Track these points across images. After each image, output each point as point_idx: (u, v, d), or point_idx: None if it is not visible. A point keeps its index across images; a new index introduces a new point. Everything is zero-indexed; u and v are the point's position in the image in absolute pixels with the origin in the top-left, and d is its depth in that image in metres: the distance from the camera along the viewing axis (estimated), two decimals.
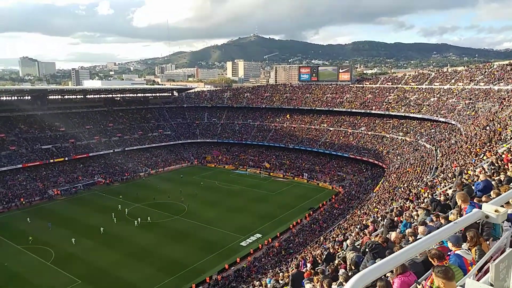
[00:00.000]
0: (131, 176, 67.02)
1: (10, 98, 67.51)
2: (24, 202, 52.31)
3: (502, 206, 3.55)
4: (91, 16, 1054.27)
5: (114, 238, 40.13)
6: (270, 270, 30.26)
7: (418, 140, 57.58)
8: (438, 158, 39.91)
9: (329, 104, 78.12)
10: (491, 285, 2.14)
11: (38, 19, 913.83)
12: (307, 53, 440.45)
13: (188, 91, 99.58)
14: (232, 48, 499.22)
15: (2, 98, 66.29)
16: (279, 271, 26.59)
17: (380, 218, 19.76)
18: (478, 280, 2.79)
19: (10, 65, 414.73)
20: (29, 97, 69.97)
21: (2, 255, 35.96)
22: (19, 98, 69.00)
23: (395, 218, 12.84)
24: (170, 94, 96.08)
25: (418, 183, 32.44)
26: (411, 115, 63.74)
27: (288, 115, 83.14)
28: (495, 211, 2.36)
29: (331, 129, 75.06)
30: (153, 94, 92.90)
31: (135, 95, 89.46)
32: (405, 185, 36.35)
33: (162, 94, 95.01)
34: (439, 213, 8.66)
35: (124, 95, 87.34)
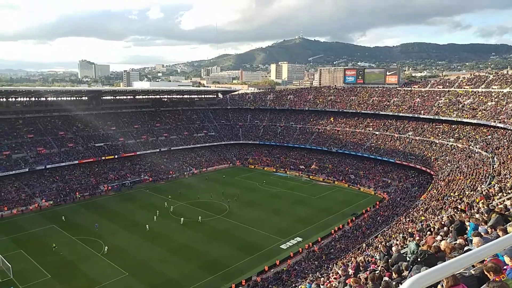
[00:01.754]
0: (175, 175, 69.37)
1: (69, 98, 72.88)
2: (79, 196, 56.05)
3: None
4: (143, 20, 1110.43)
5: (158, 234, 41.74)
6: (310, 275, 29.80)
7: (471, 146, 53.94)
8: (495, 166, 37.09)
9: (375, 108, 75.64)
10: None
11: (95, 24, 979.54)
12: (353, 55, 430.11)
13: (232, 93, 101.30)
14: (276, 51, 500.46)
15: (62, 98, 71.70)
16: (319, 276, 26.13)
17: (443, 221, 18.67)
18: None
19: (70, 67, 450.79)
20: (86, 98, 75.08)
21: (59, 244, 38.70)
22: (77, 98, 74.28)
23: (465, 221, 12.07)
24: (215, 96, 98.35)
25: (471, 192, 30.36)
26: (465, 120, 59.84)
27: (332, 118, 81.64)
28: None
29: (377, 133, 72.58)
30: (198, 96, 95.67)
31: (181, 96, 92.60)
32: (456, 193, 34.18)
33: (207, 96, 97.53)
34: (497, 225, 8.06)
35: (171, 96, 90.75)
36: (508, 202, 12.08)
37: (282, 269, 34.20)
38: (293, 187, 61.85)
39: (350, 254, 31.60)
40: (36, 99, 67.80)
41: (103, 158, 65.52)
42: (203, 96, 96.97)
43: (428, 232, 12.85)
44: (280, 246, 39.37)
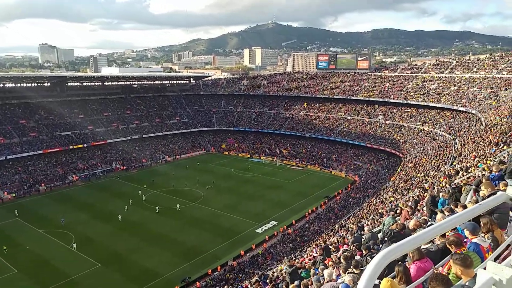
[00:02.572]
0: (148, 163, 68.16)
1: (30, 84, 68.86)
2: (45, 188, 53.97)
3: None
4: (109, 3, 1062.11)
5: (132, 224, 41.10)
6: (285, 257, 30.49)
7: (436, 129, 56.25)
8: (456, 148, 38.93)
9: (346, 93, 76.93)
10: None
11: (56, 5, 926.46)
12: (326, 41, 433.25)
13: (205, 79, 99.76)
14: (249, 35, 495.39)
15: (22, 84, 67.83)
16: (294, 258, 26.78)
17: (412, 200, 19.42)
18: None
19: (30, 51, 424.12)
20: (49, 84, 71.30)
21: (25, 239, 37.37)
22: (39, 84, 70.21)
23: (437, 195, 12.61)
24: (187, 81, 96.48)
25: (436, 173, 31.80)
26: (430, 104, 62.18)
27: (305, 104, 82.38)
28: None
29: (349, 118, 74.07)
30: (170, 82, 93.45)
31: (152, 82, 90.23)
32: (422, 174, 35.71)
33: (179, 82, 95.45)
34: (457, 202, 8.51)
35: (142, 82, 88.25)
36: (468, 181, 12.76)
37: (257, 252, 34.76)
38: (268, 172, 62.40)
39: (324, 235, 32.51)
40: None
41: (71, 147, 63.23)
42: (175, 81, 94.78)
43: (405, 207, 13.44)
44: (256, 230, 39.87)
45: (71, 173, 59.14)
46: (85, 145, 64.94)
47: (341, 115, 75.80)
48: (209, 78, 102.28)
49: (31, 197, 51.18)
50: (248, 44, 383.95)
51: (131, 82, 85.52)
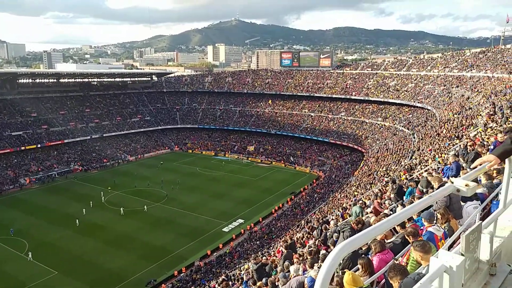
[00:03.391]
0: (109, 163, 65.56)
1: None
2: None
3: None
4: None
5: (92, 226, 39.29)
6: (252, 255, 30.43)
7: (396, 125, 58.61)
8: (415, 142, 40.75)
9: (310, 90, 78.20)
10: (462, 255, 2.34)
11: None
12: (289, 38, 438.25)
13: (168, 76, 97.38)
14: (213, 32, 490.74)
15: None
16: (260, 255, 26.77)
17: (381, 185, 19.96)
18: None
19: None
20: None
21: None
22: None
23: (405, 184, 13.03)
24: (149, 78, 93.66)
25: (396, 167, 33.07)
26: (390, 100, 64.66)
27: (270, 101, 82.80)
28: (466, 185, 2.50)
29: (312, 114, 75.36)
30: (131, 79, 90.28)
31: (112, 79, 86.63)
32: (384, 169, 37.02)
33: (141, 79, 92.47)
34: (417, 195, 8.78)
35: (101, 79, 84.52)
36: (425, 174, 13.25)
37: (225, 252, 34.47)
38: (234, 170, 62.12)
39: (290, 231, 32.82)
40: None
41: (23, 148, 59.41)
42: (136, 79, 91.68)
43: (375, 197, 13.78)
44: (223, 229, 39.52)
45: (24, 176, 55.56)
46: (39, 146, 61.25)
47: (305, 112, 76.97)
48: (172, 75, 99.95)
49: None
50: (212, 41, 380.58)
51: (90, 79, 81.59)
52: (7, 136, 59.69)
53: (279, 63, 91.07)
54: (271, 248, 28.76)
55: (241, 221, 41.55)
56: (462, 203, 5.43)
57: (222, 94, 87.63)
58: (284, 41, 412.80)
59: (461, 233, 3.90)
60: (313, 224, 25.10)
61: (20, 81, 69.94)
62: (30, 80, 73.05)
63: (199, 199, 48.26)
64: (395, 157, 40.34)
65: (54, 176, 57.39)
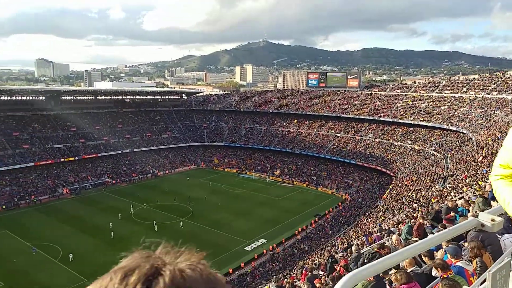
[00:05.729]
0: (138, 177, 67.58)
1: (25, 97, 68.62)
2: (35, 200, 53.02)
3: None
4: (104, 19, 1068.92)
5: (121, 238, 40.44)
6: (274, 276, 30.25)
7: (427, 148, 57.15)
8: (448, 168, 39.57)
9: (336, 110, 78.02)
10: None
11: (52, 21, 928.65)
12: (316, 59, 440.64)
13: (197, 95, 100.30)
14: (241, 53, 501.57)
15: (17, 97, 67.56)
16: (282, 277, 26.60)
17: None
18: None
19: (27, 66, 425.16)
20: (43, 97, 71.15)
21: (12, 251, 36.51)
22: (33, 98, 70.19)
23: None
24: (179, 97, 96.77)
25: (427, 193, 32.22)
26: (420, 123, 63.32)
27: (295, 120, 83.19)
28: (491, 220, 2.24)
29: (339, 135, 74.89)
30: (162, 97, 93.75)
31: (144, 97, 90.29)
32: (413, 194, 36.12)
33: (171, 97, 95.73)
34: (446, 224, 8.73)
35: (134, 97, 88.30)
36: (459, 202, 13.02)
37: (246, 271, 34.40)
38: (258, 189, 62.29)
39: (313, 254, 32.43)
40: None
41: (62, 160, 62.49)
42: (166, 97, 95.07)
43: (419, 216, 13.51)
44: (245, 248, 39.51)
45: (62, 186, 58.26)
46: (76, 158, 64.26)
47: (331, 132, 76.63)
48: (201, 94, 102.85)
49: (20, 209, 50.24)
50: (240, 62, 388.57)
51: (123, 97, 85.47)
52: (49, 148, 63.10)
53: (306, 83, 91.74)
54: (294, 270, 28.51)
55: (263, 241, 41.41)
56: (499, 236, 4.92)
57: (248, 113, 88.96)
58: (311, 61, 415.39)
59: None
60: (338, 248, 24.82)
61: (63, 98, 74.31)
62: (72, 97, 77.55)
63: (223, 216, 48.62)
64: (426, 182, 39.28)
65: (87, 188, 59.80)
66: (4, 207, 49.76)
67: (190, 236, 41.63)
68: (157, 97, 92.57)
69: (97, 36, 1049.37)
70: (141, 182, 65.84)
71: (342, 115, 76.40)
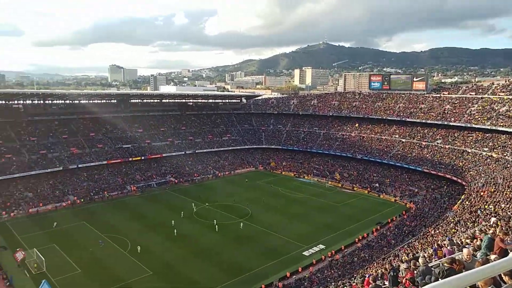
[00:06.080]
0: (200, 177, 70.33)
1: (100, 101, 75.58)
2: (107, 195, 57.79)
3: None
4: (168, 26, 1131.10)
5: (182, 236, 42.37)
6: (333, 283, 29.44)
7: (507, 156, 51.73)
8: None
9: (401, 114, 74.04)
10: None
11: (123, 30, 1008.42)
12: (379, 61, 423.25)
13: (256, 98, 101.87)
14: (300, 56, 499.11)
15: (94, 101, 74.48)
16: (341, 285, 25.79)
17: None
18: None
19: (101, 72, 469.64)
20: (115, 101, 77.59)
21: (88, 241, 40.16)
22: (107, 101, 77.02)
23: None
24: (239, 100, 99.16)
25: (507, 205, 29.13)
26: (500, 128, 57.51)
27: (356, 124, 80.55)
28: None
29: (403, 140, 70.95)
30: (223, 100, 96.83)
31: (206, 100, 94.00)
32: (491, 206, 32.86)
33: (231, 101, 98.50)
34: None
35: (197, 100, 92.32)
36: None
37: (304, 276, 33.94)
38: (317, 193, 61.30)
39: (375, 264, 30.99)
40: (70, 101, 70.74)
41: (130, 159, 67.29)
42: (227, 100, 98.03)
43: (498, 231, 12.37)
44: (303, 253, 39.06)
45: (130, 183, 62.76)
46: (142, 158, 68.79)
47: (395, 137, 72.88)
48: (260, 97, 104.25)
49: (95, 203, 55.14)
50: (299, 64, 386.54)
51: (186, 100, 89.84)
52: (119, 148, 68.43)
53: (368, 86, 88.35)
54: (353, 279, 27.48)
55: (322, 246, 40.58)
56: None
57: (306, 116, 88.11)
58: (374, 63, 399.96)
59: None
60: (402, 259, 23.46)
61: (131, 101, 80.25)
62: (139, 101, 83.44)
63: (281, 219, 48.64)
64: (506, 194, 35.52)
65: (152, 186, 63.66)
66: (82, 200, 54.96)
67: (249, 237, 42.31)
68: (218, 100, 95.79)
69: (162, 42, 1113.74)
70: (202, 182, 68.43)
71: (407, 119, 72.25)
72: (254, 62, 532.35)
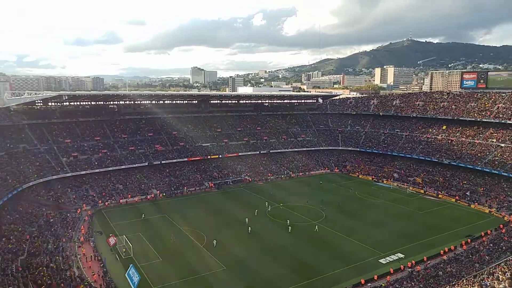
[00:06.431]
0: (273, 177, 70.92)
1: (182, 102, 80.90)
2: (187, 191, 61.52)
3: None
4: (247, 28, 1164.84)
5: (255, 234, 43.08)
6: None
7: None
8: None
9: (500, 116, 65.60)
10: None
11: (205, 34, 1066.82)
12: (474, 57, 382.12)
13: (333, 98, 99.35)
14: (381, 54, 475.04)
15: (177, 102, 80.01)
16: None
17: None
18: None
19: (184, 74, 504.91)
20: (196, 101, 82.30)
21: (168, 233, 43.12)
22: (188, 102, 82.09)
23: None
24: (315, 100, 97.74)
25: None
26: None
27: (444, 126, 73.60)
28: None
29: (502, 145, 62.77)
30: (298, 101, 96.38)
31: (281, 101, 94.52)
32: None
33: (307, 101, 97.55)
34: None
35: (272, 101, 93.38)
36: None
37: (380, 285, 31.96)
38: (396, 199, 57.46)
39: (464, 281, 27.82)
40: (156, 102, 76.94)
41: (209, 157, 70.71)
42: (302, 101, 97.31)
43: None
44: (379, 260, 36.84)
45: (207, 180, 66.01)
46: (220, 156, 71.78)
47: (492, 141, 64.83)
48: (337, 97, 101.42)
49: (176, 197, 59.08)
50: (380, 63, 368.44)
51: (262, 101, 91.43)
52: (199, 146, 72.43)
53: (459, 84, 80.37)
54: None
55: (401, 255, 37.80)
56: None
57: (387, 117, 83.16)
58: (467, 60, 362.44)
59: None
60: (499, 278, 20.70)
61: (211, 101, 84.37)
62: (218, 101, 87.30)
63: (356, 224, 46.63)
64: None
65: (228, 183, 66.05)
66: (164, 194, 59.30)
67: (322, 240, 41.36)
68: (293, 101, 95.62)
69: (241, 44, 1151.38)
70: (275, 182, 68.91)
71: (508, 121, 63.74)
72: (332, 61, 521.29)
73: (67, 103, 68.33)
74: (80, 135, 64.56)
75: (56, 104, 66.69)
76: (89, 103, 70.53)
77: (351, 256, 37.46)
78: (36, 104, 64.27)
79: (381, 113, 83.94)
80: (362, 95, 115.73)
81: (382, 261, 36.78)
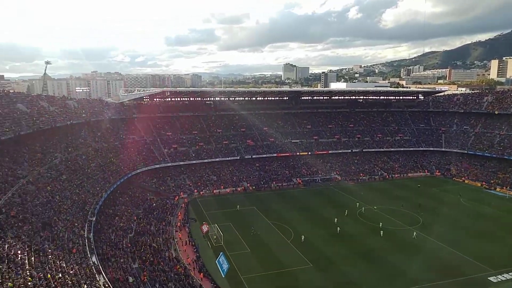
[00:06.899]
0: (365, 177, 67.50)
1: (273, 98, 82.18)
2: (275, 185, 62.46)
3: None
4: (342, 22, 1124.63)
5: (344, 234, 41.56)
6: None
7: None
8: None
9: None
10: None
11: (298, 29, 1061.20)
12: None
13: (436, 95, 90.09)
14: (500, 44, 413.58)
15: (269, 98, 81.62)
16: None
17: None
18: None
19: (276, 70, 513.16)
20: (287, 98, 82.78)
21: (256, 225, 44.31)
22: (279, 98, 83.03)
23: None
24: (415, 97, 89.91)
25: None
26: None
27: None
28: None
29: None
30: (395, 97, 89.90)
31: (377, 97, 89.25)
32: None
33: (405, 97, 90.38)
34: None
35: (367, 97, 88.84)
36: None
37: None
38: None
39: None
40: (248, 98, 79.61)
41: (298, 153, 70.54)
42: (400, 97, 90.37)
43: None
44: (489, 278, 32.19)
45: (296, 176, 66.00)
46: (309, 153, 71.06)
47: None
48: (441, 94, 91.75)
49: (265, 191, 60.56)
50: (498, 54, 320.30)
51: (356, 97, 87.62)
52: (288, 143, 72.84)
53: None
54: None
55: None
56: None
57: (505, 116, 72.03)
58: None
59: None
60: None
61: (302, 98, 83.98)
62: (309, 97, 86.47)
63: (459, 234, 41.62)
64: None
65: (317, 181, 65.02)
66: (253, 187, 61.16)
67: (418, 248, 38.00)
68: (390, 97, 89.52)
69: (334, 39, 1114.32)
70: (368, 183, 65.52)
71: None
72: (437, 54, 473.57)
73: (169, 99, 75.14)
74: (179, 129, 70.43)
75: (160, 99, 73.92)
76: (188, 99, 76.45)
77: (453, 270, 33.48)
78: (144, 100, 72.03)
79: (496, 112, 73.04)
80: (473, 91, 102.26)
81: (492, 279, 32.10)
